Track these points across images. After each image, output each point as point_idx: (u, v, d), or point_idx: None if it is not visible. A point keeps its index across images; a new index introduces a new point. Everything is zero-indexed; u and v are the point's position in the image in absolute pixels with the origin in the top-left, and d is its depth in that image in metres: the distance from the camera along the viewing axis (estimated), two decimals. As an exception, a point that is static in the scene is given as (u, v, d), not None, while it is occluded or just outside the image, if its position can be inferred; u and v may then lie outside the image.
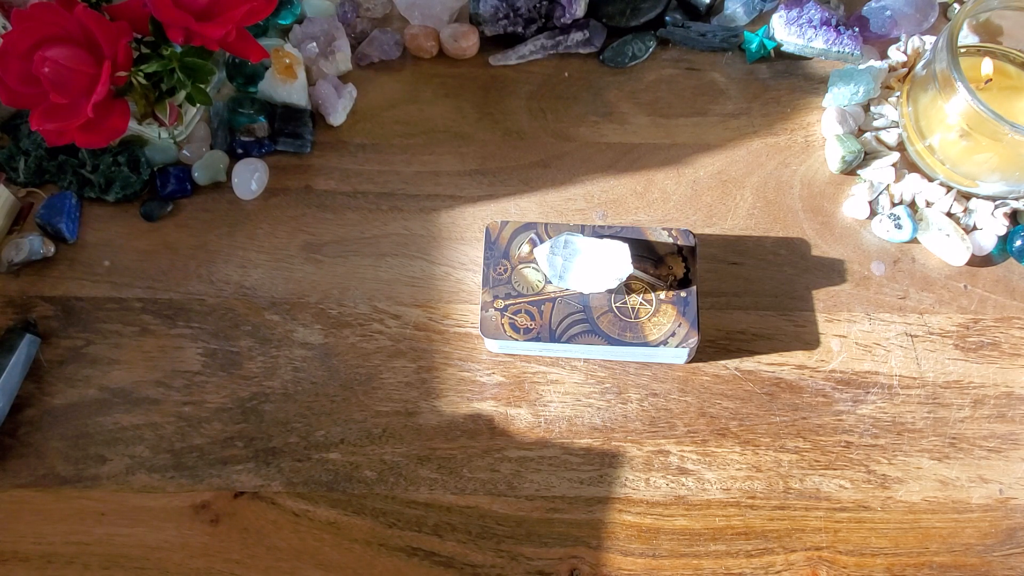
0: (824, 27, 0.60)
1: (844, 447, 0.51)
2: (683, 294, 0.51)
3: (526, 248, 0.52)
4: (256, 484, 0.50)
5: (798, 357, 0.53)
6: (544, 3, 0.61)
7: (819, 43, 0.60)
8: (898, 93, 0.60)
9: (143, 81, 0.52)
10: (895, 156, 0.58)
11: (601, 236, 0.51)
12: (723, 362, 0.53)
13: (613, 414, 0.52)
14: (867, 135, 0.59)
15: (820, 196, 0.58)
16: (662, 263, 0.52)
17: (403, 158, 0.59)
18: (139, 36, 0.52)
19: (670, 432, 0.52)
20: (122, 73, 0.50)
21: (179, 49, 0.51)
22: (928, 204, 0.57)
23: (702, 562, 0.49)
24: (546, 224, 0.53)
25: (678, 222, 0.57)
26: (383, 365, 0.53)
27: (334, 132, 0.60)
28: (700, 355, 0.53)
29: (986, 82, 0.56)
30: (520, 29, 0.62)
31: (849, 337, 0.54)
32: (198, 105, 0.56)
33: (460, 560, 0.49)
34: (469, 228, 0.57)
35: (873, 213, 0.57)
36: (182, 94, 0.55)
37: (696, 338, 0.50)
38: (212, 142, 0.59)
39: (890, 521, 0.50)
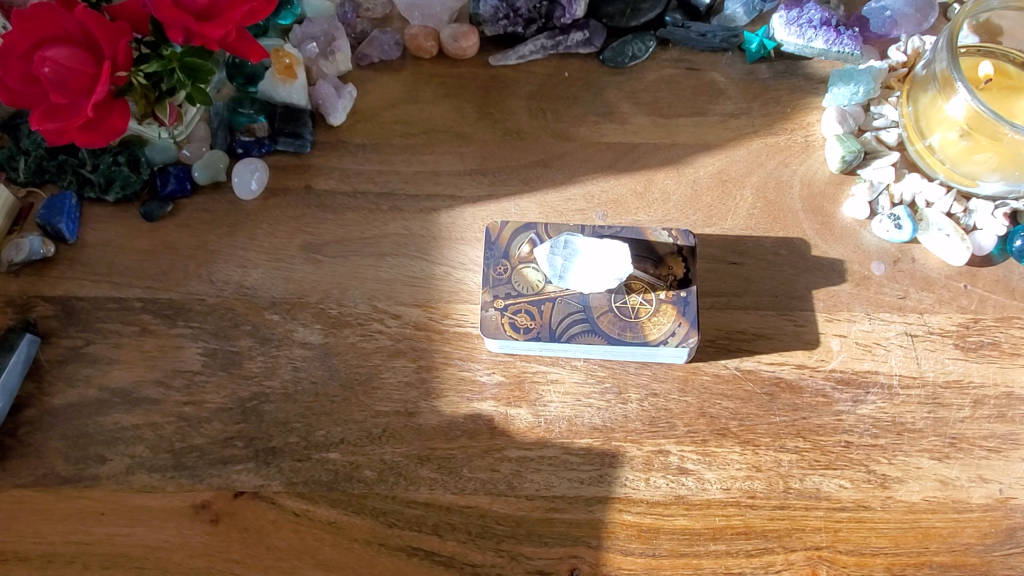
0: (824, 27, 0.60)
1: (844, 447, 0.51)
2: (683, 294, 0.51)
3: (526, 248, 0.52)
4: (256, 484, 0.50)
5: (798, 357, 0.53)
6: (544, 3, 0.61)
7: (819, 43, 0.60)
8: (898, 93, 0.60)
9: (143, 81, 0.52)
10: (895, 156, 0.58)
11: (601, 236, 0.51)
12: (723, 362, 0.53)
13: (613, 414, 0.52)
14: (867, 135, 0.59)
15: (820, 196, 0.58)
16: (662, 263, 0.52)
17: (403, 158, 0.59)
18: (139, 36, 0.52)
19: (670, 432, 0.52)
20: (122, 73, 0.50)
21: (179, 49, 0.51)
22: (928, 204, 0.57)
23: (702, 562, 0.49)
24: (546, 224, 0.53)
25: (678, 222, 0.57)
26: (383, 365, 0.53)
27: (334, 132, 0.60)
28: (700, 355, 0.53)
29: (986, 82, 0.56)
30: (520, 29, 0.62)
31: (849, 337, 0.54)
32: (198, 105, 0.56)
33: (460, 560, 0.49)
34: (469, 228, 0.57)
35: (873, 213, 0.57)
36: (182, 94, 0.55)
37: (696, 338, 0.50)
38: (212, 142, 0.59)
39: (890, 521, 0.50)
